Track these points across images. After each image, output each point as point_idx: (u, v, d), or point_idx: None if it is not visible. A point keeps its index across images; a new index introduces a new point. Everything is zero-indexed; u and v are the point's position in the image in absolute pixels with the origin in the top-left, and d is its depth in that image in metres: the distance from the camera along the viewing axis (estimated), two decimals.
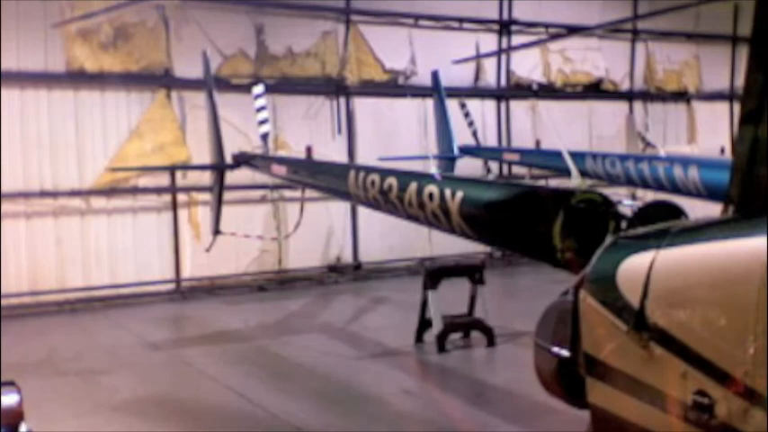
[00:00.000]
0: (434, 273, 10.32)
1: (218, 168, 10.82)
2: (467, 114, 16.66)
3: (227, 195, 11.91)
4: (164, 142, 14.01)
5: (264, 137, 11.59)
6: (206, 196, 12.91)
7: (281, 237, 14.59)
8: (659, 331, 3.34)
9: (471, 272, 10.49)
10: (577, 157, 11.78)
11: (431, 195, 6.35)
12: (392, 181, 6.98)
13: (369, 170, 7.56)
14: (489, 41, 17.60)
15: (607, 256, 3.82)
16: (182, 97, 14.31)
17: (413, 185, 6.65)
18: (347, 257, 16.02)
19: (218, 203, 10.63)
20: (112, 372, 9.42)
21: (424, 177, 6.68)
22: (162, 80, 14.16)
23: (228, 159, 11.03)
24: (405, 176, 6.98)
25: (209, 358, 10.19)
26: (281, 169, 10.46)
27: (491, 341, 9.99)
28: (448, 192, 6.15)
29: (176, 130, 14.18)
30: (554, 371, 4.46)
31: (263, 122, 11.68)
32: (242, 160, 11.15)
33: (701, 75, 20.83)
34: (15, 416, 4.08)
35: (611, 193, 5.01)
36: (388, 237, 15.39)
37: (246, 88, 12.49)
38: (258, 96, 11.75)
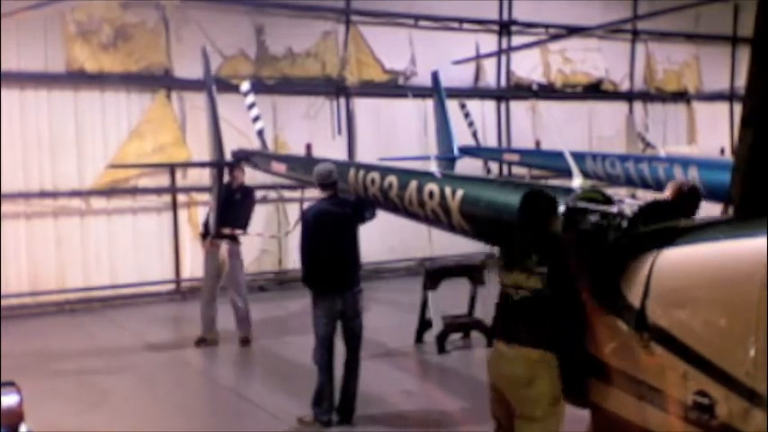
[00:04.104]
0: (434, 273, 10.32)
1: (218, 165, 10.79)
2: (467, 115, 16.65)
3: None
4: (164, 143, 13.99)
5: (260, 133, 11.57)
6: (206, 197, 12.88)
7: (281, 233, 14.59)
8: (660, 331, 3.34)
9: (471, 272, 10.49)
10: (577, 157, 11.73)
11: (431, 193, 6.34)
12: (392, 179, 6.98)
13: (369, 168, 7.55)
14: (489, 42, 17.57)
15: (608, 256, 3.82)
16: (182, 98, 14.28)
17: (413, 183, 6.65)
18: None
19: (219, 202, 10.54)
20: (112, 372, 9.42)
21: (425, 175, 6.67)
22: (162, 80, 14.14)
23: (228, 157, 11.01)
24: (405, 174, 6.98)
25: (209, 358, 10.19)
26: (280, 166, 10.45)
27: (491, 341, 9.98)
28: (448, 190, 6.15)
29: (176, 131, 14.16)
30: None
31: (256, 119, 11.66)
32: (241, 157, 11.13)
33: (700, 75, 20.80)
34: (15, 416, 4.07)
35: (611, 194, 5.00)
36: (388, 237, 15.33)
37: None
38: (247, 93, 11.72)
